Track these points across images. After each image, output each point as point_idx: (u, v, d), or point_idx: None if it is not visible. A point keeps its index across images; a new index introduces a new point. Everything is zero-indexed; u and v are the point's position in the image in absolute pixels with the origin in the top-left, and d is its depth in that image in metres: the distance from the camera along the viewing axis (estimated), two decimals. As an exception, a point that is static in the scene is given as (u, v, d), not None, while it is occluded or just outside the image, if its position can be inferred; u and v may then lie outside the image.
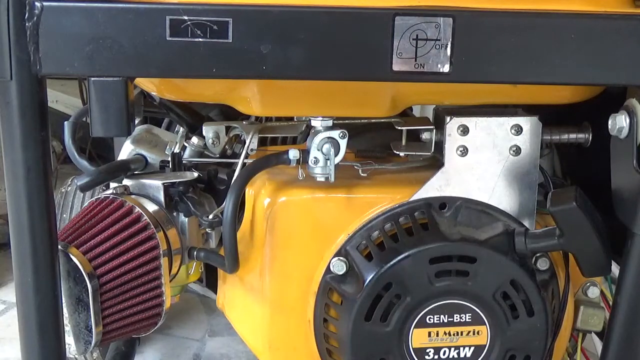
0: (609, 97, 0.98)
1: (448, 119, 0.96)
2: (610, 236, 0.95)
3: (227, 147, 1.15)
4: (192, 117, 1.19)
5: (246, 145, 1.10)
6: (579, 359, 1.10)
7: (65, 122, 1.15)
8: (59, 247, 0.88)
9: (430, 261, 0.93)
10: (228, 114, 1.19)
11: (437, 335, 0.96)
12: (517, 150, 0.97)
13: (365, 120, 1.06)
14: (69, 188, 1.35)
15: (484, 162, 0.97)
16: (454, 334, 0.96)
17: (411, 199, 0.97)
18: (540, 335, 0.97)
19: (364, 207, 0.98)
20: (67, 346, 0.90)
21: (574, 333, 1.08)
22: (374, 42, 0.78)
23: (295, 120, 1.15)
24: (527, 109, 0.99)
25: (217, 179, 1.13)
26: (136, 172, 1.12)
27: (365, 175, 1.01)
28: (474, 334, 0.96)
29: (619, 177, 0.93)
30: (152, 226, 0.99)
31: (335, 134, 0.96)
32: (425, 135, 0.99)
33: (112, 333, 0.97)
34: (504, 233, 0.97)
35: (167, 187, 1.05)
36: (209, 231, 1.10)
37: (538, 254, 0.98)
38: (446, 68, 0.80)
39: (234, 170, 1.09)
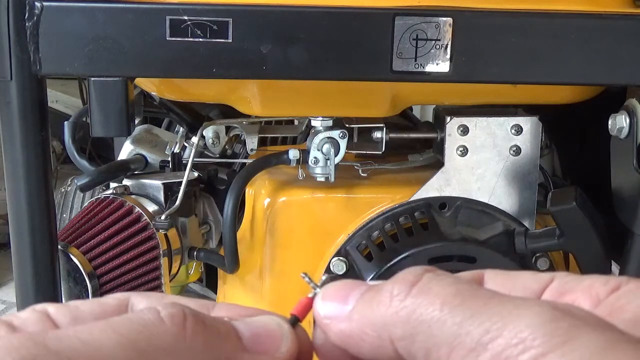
0: (609, 97, 0.98)
1: (448, 119, 0.96)
2: (610, 236, 0.95)
3: (227, 147, 1.15)
4: (192, 117, 1.19)
5: (246, 145, 1.10)
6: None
7: (65, 122, 1.15)
8: (59, 247, 0.88)
9: (430, 261, 0.93)
10: (228, 114, 1.19)
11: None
12: (517, 150, 0.97)
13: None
14: (69, 188, 1.35)
15: (484, 162, 0.97)
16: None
17: (411, 199, 0.97)
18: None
19: (364, 207, 0.98)
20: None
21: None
22: (374, 42, 0.78)
23: (295, 120, 1.15)
24: (527, 109, 0.99)
25: (217, 179, 1.13)
26: (136, 172, 1.12)
27: (365, 175, 1.01)
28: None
29: (619, 177, 0.93)
30: (152, 226, 0.99)
31: (335, 134, 0.96)
32: (376, 134, 0.99)
33: (112, 333, 0.96)
34: (504, 233, 0.97)
35: (167, 187, 1.05)
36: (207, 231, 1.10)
37: (538, 254, 0.98)
38: (446, 68, 0.80)
39: (234, 170, 1.09)
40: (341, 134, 0.96)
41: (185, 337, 0.28)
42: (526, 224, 0.98)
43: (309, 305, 0.34)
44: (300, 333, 0.33)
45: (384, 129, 0.99)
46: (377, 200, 0.98)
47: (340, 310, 0.32)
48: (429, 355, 0.29)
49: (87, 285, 0.91)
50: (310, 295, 0.34)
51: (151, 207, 1.02)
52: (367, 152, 1.02)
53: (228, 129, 1.14)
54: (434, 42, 0.79)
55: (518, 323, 0.27)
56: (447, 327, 0.28)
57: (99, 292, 0.93)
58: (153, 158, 1.17)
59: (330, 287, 0.34)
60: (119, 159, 1.19)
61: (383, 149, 1.00)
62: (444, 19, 0.78)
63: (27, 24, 0.74)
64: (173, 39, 0.75)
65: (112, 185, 1.07)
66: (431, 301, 0.29)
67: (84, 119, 1.16)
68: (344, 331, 0.32)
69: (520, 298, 0.29)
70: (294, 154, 0.97)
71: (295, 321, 0.33)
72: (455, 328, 0.28)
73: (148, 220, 0.99)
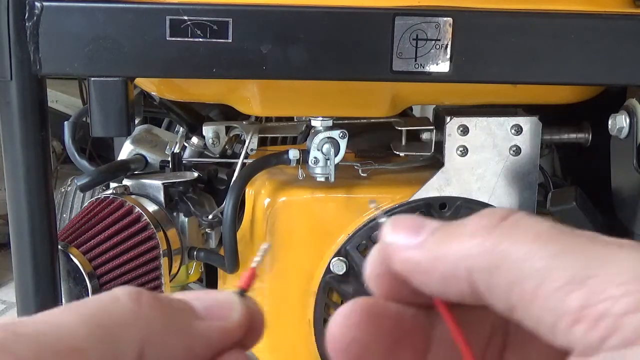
0: (609, 97, 0.98)
1: (448, 119, 0.96)
2: (610, 236, 0.94)
3: (227, 147, 1.15)
4: (192, 117, 1.19)
5: (246, 145, 1.10)
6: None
7: (65, 122, 1.15)
8: (59, 247, 0.88)
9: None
10: (228, 114, 1.19)
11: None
12: (517, 150, 0.97)
13: (365, 120, 1.06)
14: (69, 188, 1.35)
15: (484, 162, 0.97)
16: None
17: (411, 199, 0.97)
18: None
19: (364, 207, 0.98)
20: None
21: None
22: (374, 42, 0.78)
23: (295, 120, 1.15)
24: (527, 109, 0.99)
25: (217, 179, 1.13)
26: (136, 172, 1.12)
27: (365, 175, 1.01)
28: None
29: (619, 177, 0.93)
30: (152, 226, 0.99)
31: (335, 134, 0.96)
32: (425, 136, 0.99)
33: (112, 333, 0.97)
34: (504, 233, 0.97)
35: (167, 187, 1.05)
36: (209, 231, 1.10)
37: (538, 254, 0.98)
38: (446, 68, 0.80)
39: (234, 170, 1.09)
40: (341, 134, 0.96)
41: (142, 310, 0.30)
42: (526, 224, 0.98)
43: (252, 276, 0.36)
44: (250, 303, 0.34)
45: (434, 130, 0.99)
46: (377, 200, 0.98)
47: (410, 238, 0.31)
48: (511, 289, 0.27)
49: (87, 285, 0.91)
50: (253, 265, 0.36)
51: (151, 207, 1.02)
52: (417, 154, 1.02)
53: (228, 129, 1.14)
54: (434, 42, 0.79)
55: (623, 264, 0.26)
56: (537, 259, 0.26)
57: (99, 292, 0.93)
58: (153, 158, 1.17)
59: (401, 216, 0.32)
60: (119, 159, 1.19)
61: (432, 150, 1.00)
62: (444, 19, 0.78)
63: (27, 24, 0.74)
64: (173, 39, 0.75)
65: (112, 185, 1.07)
66: (521, 236, 0.28)
67: (84, 119, 1.16)
68: (413, 259, 0.30)
69: (620, 241, 0.28)
70: (294, 154, 0.97)
71: (242, 292, 0.35)
72: (548, 260, 0.26)
73: (148, 220, 0.99)
